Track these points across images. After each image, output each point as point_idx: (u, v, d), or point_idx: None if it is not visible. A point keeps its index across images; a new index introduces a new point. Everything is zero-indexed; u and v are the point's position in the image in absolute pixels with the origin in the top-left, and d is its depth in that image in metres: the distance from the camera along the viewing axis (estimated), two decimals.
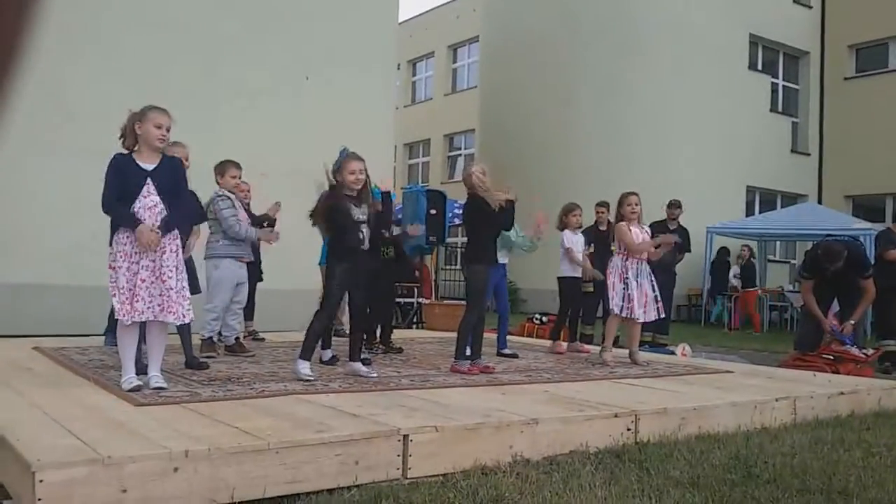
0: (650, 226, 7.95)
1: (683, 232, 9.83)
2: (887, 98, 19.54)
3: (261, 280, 7.80)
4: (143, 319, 4.35)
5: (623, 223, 6.85)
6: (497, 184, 6.06)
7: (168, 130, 4.48)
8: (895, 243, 9.04)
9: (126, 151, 4.47)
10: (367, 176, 5.34)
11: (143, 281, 4.30)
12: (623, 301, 6.74)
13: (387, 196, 5.73)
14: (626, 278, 6.74)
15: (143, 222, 4.30)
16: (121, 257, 4.30)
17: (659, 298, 6.87)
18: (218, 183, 6.41)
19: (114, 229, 4.38)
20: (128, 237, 4.33)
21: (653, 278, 6.89)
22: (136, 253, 4.33)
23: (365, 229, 5.32)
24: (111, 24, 9.42)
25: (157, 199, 4.40)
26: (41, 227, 8.76)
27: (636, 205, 6.87)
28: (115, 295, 4.30)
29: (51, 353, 6.12)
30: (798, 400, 5.19)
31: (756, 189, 20.21)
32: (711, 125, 18.73)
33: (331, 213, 5.28)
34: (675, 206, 10.18)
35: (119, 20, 9.49)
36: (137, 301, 4.28)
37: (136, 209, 4.34)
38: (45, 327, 8.18)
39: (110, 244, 4.38)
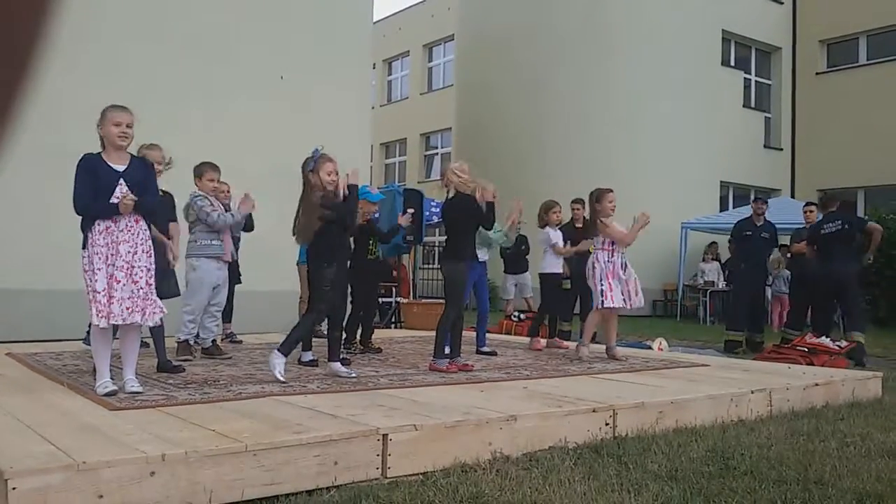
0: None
1: (771, 227, 9.94)
2: (858, 92, 19.81)
3: (239, 282, 7.76)
4: (120, 322, 4.30)
5: (605, 220, 6.90)
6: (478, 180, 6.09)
7: (129, 127, 4.39)
8: (802, 236, 9.65)
9: (94, 153, 4.42)
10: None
11: (119, 282, 4.26)
12: (621, 294, 6.79)
13: (353, 188, 5.69)
14: (618, 273, 6.81)
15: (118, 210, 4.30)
16: (98, 259, 4.24)
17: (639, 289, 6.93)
18: (196, 185, 6.37)
19: (87, 232, 4.31)
20: (104, 238, 4.27)
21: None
22: (111, 255, 4.27)
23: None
24: (93, 33, 9.30)
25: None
26: (13, 232, 8.63)
27: (612, 201, 6.92)
28: (92, 298, 4.24)
29: (24, 359, 6.04)
30: (774, 392, 5.24)
31: (730, 184, 20.39)
32: (685, 121, 18.88)
33: (332, 213, 5.30)
34: (762, 201, 10.28)
35: (101, 29, 9.37)
36: (113, 303, 4.23)
37: None
38: (18, 333, 8.07)
39: (84, 247, 4.31)
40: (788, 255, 10.14)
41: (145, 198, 4.42)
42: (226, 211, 6.63)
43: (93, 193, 4.29)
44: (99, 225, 4.29)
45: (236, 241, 7.21)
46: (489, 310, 7.84)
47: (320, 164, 5.28)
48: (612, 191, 7.00)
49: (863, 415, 5.15)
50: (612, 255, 6.84)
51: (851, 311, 8.93)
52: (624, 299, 6.80)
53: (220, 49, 10.29)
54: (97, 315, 4.20)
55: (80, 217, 4.34)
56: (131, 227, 4.36)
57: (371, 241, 7.18)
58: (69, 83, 9.00)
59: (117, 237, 4.30)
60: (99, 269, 4.23)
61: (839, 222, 8.94)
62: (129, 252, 4.30)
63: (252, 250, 7.91)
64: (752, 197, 20.15)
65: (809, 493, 3.22)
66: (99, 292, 4.21)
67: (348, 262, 5.92)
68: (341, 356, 5.82)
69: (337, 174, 5.31)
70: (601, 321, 7.08)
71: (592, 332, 7.08)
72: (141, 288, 4.32)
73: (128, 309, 4.27)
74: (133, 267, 4.31)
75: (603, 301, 6.77)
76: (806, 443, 4.20)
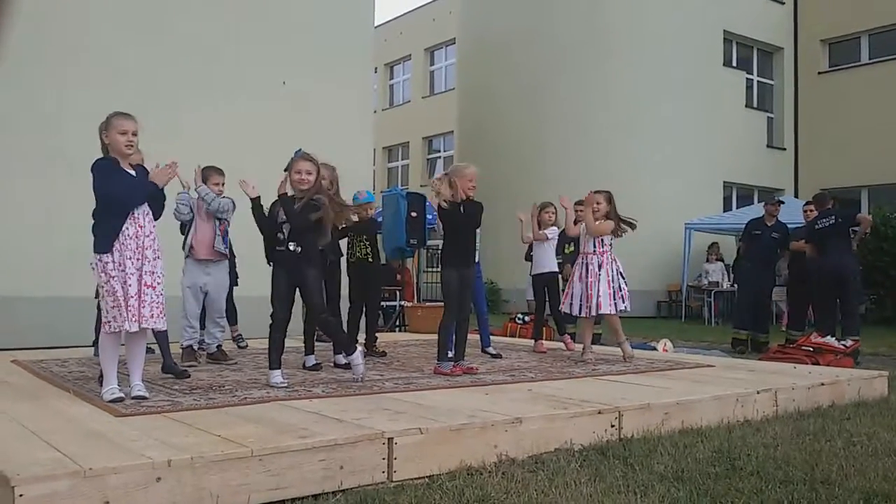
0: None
1: (782, 227, 10.03)
2: (860, 91, 19.79)
3: (236, 284, 7.73)
4: (150, 326, 4.32)
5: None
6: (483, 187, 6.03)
7: (135, 135, 4.38)
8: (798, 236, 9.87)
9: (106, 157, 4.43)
10: (319, 177, 5.34)
11: (147, 286, 4.28)
12: (582, 301, 6.79)
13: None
14: (583, 276, 6.79)
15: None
16: (130, 264, 4.24)
17: (622, 288, 6.80)
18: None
19: (112, 237, 4.24)
20: (134, 243, 4.26)
21: (611, 270, 6.82)
22: (138, 259, 4.28)
23: (286, 228, 5.25)
24: (93, 36, 9.33)
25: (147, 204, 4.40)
26: (17, 238, 8.65)
27: (598, 203, 6.85)
28: (117, 302, 4.20)
29: (29, 366, 6.06)
30: (779, 392, 5.23)
31: (733, 184, 20.39)
32: (688, 122, 18.88)
33: (252, 212, 5.39)
34: (778, 202, 10.43)
35: (101, 31, 9.41)
36: (145, 307, 4.24)
37: (136, 214, 4.32)
38: (23, 340, 8.08)
39: (106, 251, 4.23)
40: (787, 252, 10.19)
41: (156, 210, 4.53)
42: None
43: (125, 189, 4.30)
44: (128, 230, 4.28)
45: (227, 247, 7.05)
46: (487, 310, 7.85)
47: (293, 164, 5.29)
48: (596, 192, 6.97)
49: (869, 414, 5.14)
50: (586, 259, 6.83)
51: (849, 312, 9.12)
52: (579, 305, 6.80)
53: (221, 54, 10.31)
54: (131, 320, 4.20)
55: (101, 222, 4.30)
56: (152, 232, 4.38)
57: (366, 245, 7.14)
58: (69, 89, 9.03)
59: (143, 242, 4.31)
60: (132, 274, 4.23)
61: (832, 217, 9.23)
62: (154, 257, 4.35)
63: (256, 254, 7.91)
64: (757, 197, 20.30)
65: (816, 492, 3.21)
66: (132, 297, 4.21)
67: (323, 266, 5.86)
68: (343, 362, 5.82)
69: (309, 173, 5.25)
70: (597, 324, 7.09)
71: (590, 337, 7.04)
72: (160, 294, 4.35)
73: (151, 315, 4.29)
74: (154, 271, 4.34)
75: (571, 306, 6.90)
76: (812, 442, 4.18)
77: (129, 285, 4.21)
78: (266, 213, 5.47)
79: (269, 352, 5.21)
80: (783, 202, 10.90)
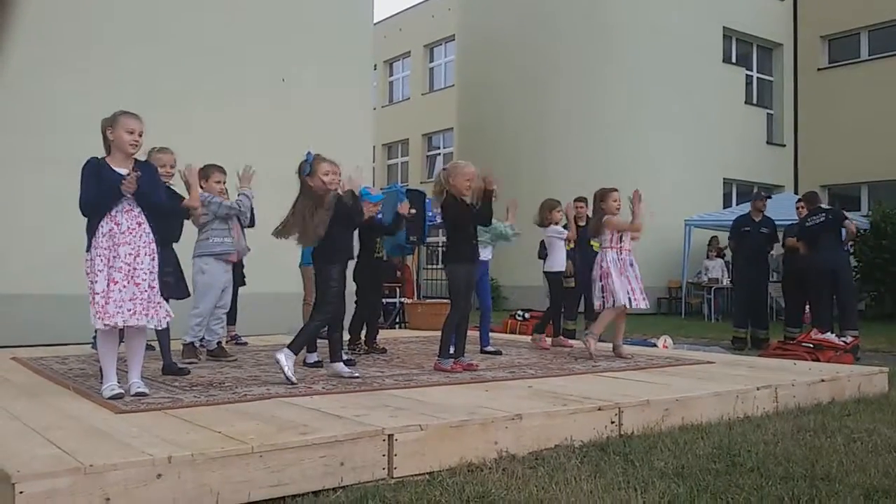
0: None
1: (770, 222, 10.08)
2: (860, 87, 19.79)
3: (243, 284, 7.75)
4: (120, 323, 4.29)
5: (609, 216, 6.86)
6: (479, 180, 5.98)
7: (140, 135, 4.41)
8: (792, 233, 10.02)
9: (99, 157, 4.43)
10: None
11: (116, 283, 4.26)
12: (627, 293, 6.73)
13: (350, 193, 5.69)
14: (625, 271, 6.77)
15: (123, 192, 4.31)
16: (99, 261, 4.25)
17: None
18: (202, 188, 6.34)
19: (91, 234, 4.31)
20: (106, 241, 4.28)
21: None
22: (113, 258, 4.28)
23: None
24: (93, 36, 9.32)
25: (134, 202, 4.38)
26: (16, 236, 8.65)
27: (619, 201, 6.89)
28: (93, 300, 4.25)
29: (29, 363, 6.06)
30: (779, 388, 5.23)
31: (733, 181, 20.38)
32: (687, 118, 18.87)
33: (340, 211, 5.29)
34: (762, 198, 10.49)
35: (101, 32, 9.39)
36: (110, 304, 4.23)
37: (113, 213, 4.31)
38: (23, 338, 8.08)
39: (88, 249, 4.32)
40: (782, 249, 10.24)
41: (155, 192, 4.48)
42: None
43: (96, 194, 4.29)
44: (103, 227, 4.30)
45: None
46: (491, 308, 7.82)
47: (316, 166, 5.28)
48: (616, 190, 6.96)
49: (869, 410, 5.14)
50: (621, 254, 6.79)
51: (845, 307, 9.24)
52: (630, 299, 6.73)
53: (220, 51, 10.30)
54: (95, 316, 4.21)
55: (86, 220, 4.35)
56: (133, 229, 4.36)
57: (377, 242, 7.17)
58: (70, 89, 9.02)
59: (118, 240, 4.30)
60: (100, 271, 4.25)
61: (822, 215, 9.42)
62: (129, 254, 4.30)
63: (255, 252, 7.92)
64: (756, 192, 20.29)
65: (816, 489, 3.21)
66: (98, 293, 4.22)
67: (352, 263, 5.92)
68: (346, 357, 5.82)
69: (335, 173, 5.32)
70: (614, 319, 7.05)
71: (604, 327, 6.99)
72: (144, 290, 4.31)
73: (130, 311, 4.27)
74: (135, 269, 4.31)
75: (614, 301, 6.70)
76: (812, 439, 4.18)
77: (96, 282, 4.24)
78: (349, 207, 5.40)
79: (300, 334, 5.22)
80: (770, 197, 11.03)
